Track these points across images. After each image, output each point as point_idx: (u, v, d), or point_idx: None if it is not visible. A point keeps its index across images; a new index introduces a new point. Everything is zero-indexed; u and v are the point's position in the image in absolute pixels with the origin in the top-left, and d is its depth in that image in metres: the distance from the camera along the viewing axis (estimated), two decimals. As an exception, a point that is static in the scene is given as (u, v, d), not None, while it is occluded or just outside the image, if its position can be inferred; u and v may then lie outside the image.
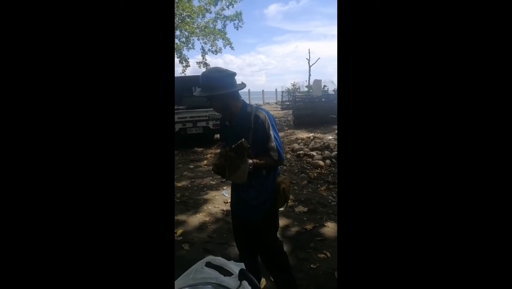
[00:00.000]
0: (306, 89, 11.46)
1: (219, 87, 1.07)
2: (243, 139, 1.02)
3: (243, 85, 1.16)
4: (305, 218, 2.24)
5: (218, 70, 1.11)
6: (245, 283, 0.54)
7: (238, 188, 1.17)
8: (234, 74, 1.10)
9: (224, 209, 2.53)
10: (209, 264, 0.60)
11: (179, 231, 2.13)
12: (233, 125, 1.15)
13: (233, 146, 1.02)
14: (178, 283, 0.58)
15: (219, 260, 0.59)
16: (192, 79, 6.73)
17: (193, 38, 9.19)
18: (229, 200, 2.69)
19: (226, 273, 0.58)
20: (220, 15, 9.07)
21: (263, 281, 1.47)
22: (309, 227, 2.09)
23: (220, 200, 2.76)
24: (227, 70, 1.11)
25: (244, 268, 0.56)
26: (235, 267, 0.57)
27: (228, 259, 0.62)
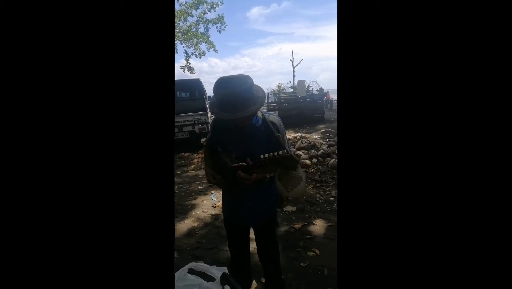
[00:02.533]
0: (291, 90, 11.61)
1: (254, 101, 0.89)
2: (285, 150, 0.86)
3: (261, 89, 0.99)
4: (293, 217, 2.26)
5: (240, 81, 0.89)
6: (227, 287, 0.53)
7: (242, 195, 1.09)
8: (250, 78, 0.92)
9: (213, 213, 2.51)
10: (191, 271, 0.59)
11: (167, 239, 2.08)
12: (243, 133, 1.01)
13: (269, 157, 0.84)
14: (160, 292, 0.57)
15: (202, 266, 0.58)
16: (176, 84, 6.65)
17: (176, 42, 9.08)
18: (218, 204, 2.69)
19: (209, 278, 0.58)
20: (202, 19, 9.02)
21: (254, 283, 1.47)
22: (297, 226, 2.11)
23: (208, 204, 2.73)
24: (242, 77, 0.91)
25: (227, 272, 0.56)
26: (217, 272, 0.57)
27: (218, 263, 0.61)
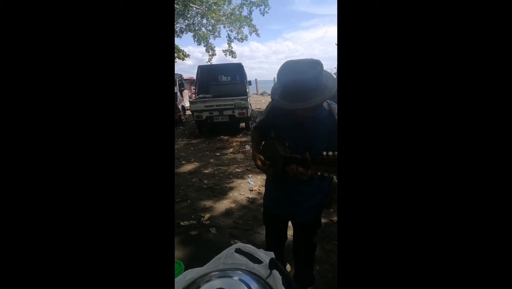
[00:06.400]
0: (334, 76, 10.95)
1: (321, 92, 0.79)
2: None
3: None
4: (331, 210, 2.19)
5: (307, 68, 0.79)
6: (275, 272, 0.54)
7: (289, 187, 1.02)
8: (320, 64, 0.82)
9: (250, 196, 2.57)
10: (239, 251, 0.61)
11: (206, 216, 2.22)
12: (303, 123, 0.91)
13: (333, 155, 0.75)
14: (209, 266, 0.60)
15: (249, 248, 0.60)
16: (219, 68, 6.80)
17: (219, 26, 9.16)
18: (254, 188, 2.74)
19: (256, 260, 0.59)
20: (246, 1, 8.87)
21: (288, 267, 1.49)
22: (335, 218, 2.05)
23: (245, 187, 2.80)
24: (310, 62, 0.81)
25: (274, 257, 0.56)
26: (264, 255, 0.58)
27: (254, 245, 0.62)
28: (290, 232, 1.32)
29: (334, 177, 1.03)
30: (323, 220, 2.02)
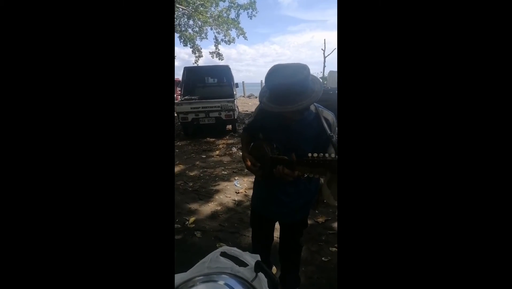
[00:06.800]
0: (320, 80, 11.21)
1: (308, 95, 0.80)
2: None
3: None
4: (317, 211, 2.22)
5: (294, 72, 0.80)
6: (261, 275, 0.53)
7: (276, 188, 1.03)
8: (307, 68, 0.83)
9: (236, 199, 2.55)
10: (224, 254, 0.60)
11: (191, 219, 2.18)
12: (290, 125, 0.93)
13: (318, 157, 0.75)
14: (193, 271, 0.58)
15: (234, 251, 0.59)
16: (205, 70, 6.74)
17: (206, 28, 9.10)
18: (240, 190, 2.73)
19: (241, 263, 0.58)
20: (234, 4, 8.89)
21: (274, 269, 1.48)
22: (321, 220, 2.08)
23: (231, 190, 2.78)
24: (297, 67, 0.82)
25: (260, 260, 0.56)
26: (250, 258, 0.57)
27: (239, 248, 0.62)
28: (276, 234, 1.32)
29: (321, 178, 1.05)
30: (308, 222, 2.05)
